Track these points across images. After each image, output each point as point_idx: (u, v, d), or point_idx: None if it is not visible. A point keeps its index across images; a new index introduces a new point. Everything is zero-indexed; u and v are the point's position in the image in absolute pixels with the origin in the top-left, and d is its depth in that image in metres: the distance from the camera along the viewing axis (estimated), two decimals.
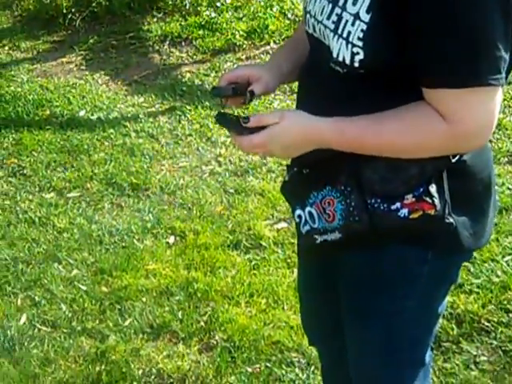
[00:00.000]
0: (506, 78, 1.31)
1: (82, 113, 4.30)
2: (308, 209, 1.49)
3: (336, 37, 1.37)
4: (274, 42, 5.04)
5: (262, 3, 5.46)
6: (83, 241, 3.24)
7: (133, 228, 3.30)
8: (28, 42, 5.34)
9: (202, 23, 5.29)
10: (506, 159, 3.64)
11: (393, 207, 1.39)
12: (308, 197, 1.48)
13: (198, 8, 5.45)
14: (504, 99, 3.91)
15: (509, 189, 3.38)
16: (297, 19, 5.21)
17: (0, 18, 5.78)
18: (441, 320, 2.17)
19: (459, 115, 1.30)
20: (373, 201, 1.40)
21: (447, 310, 2.64)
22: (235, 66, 4.75)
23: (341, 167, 1.43)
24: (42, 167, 3.78)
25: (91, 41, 5.26)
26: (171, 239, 3.23)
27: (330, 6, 1.40)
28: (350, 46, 1.34)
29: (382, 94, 1.37)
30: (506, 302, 2.75)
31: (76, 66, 4.99)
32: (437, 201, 1.38)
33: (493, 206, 1.55)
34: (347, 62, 1.35)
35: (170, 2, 5.57)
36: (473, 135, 1.34)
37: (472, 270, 2.89)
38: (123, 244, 3.22)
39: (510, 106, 4.07)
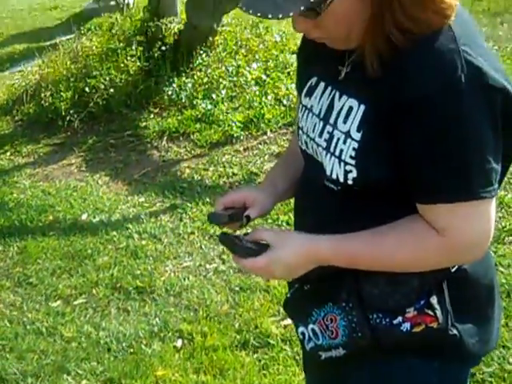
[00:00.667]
0: (499, 186, 1.32)
1: (84, 216, 4.34)
2: (311, 326, 1.49)
3: (329, 155, 1.39)
4: (271, 130, 5.11)
5: (257, 92, 5.56)
6: (91, 349, 3.23)
7: (140, 333, 3.29)
8: (29, 147, 5.44)
9: (199, 116, 5.39)
10: (511, 238, 3.62)
11: (395, 322, 1.40)
12: (310, 314, 1.49)
13: (194, 101, 5.56)
14: None
15: None
16: (292, 105, 5.29)
17: (1, 124, 5.90)
18: None
19: (454, 229, 1.31)
20: (374, 316, 1.41)
21: None
22: (233, 158, 4.82)
23: (341, 283, 1.44)
24: (47, 275, 3.79)
25: (90, 141, 5.36)
26: (179, 342, 3.22)
27: (322, 123, 1.43)
28: (342, 164, 1.36)
29: (377, 209, 1.39)
30: None
31: (76, 167, 5.07)
32: (439, 313, 1.38)
33: (497, 310, 1.54)
34: (341, 179, 1.37)
35: (166, 97, 5.69)
36: (469, 248, 1.35)
37: (483, 358, 2.85)
38: (131, 350, 3.20)
39: (510, 183, 4.08)
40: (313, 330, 1.49)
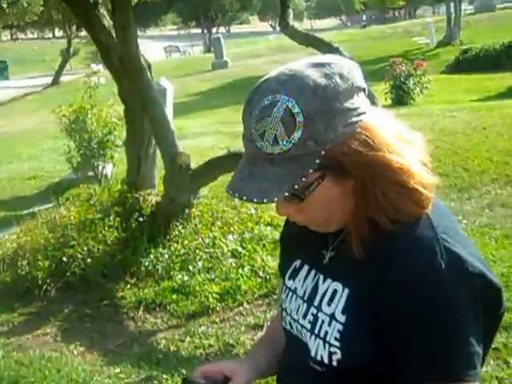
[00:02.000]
0: (481, 368, 1.34)
1: None
2: None
3: (313, 336, 1.42)
4: (247, 302, 5.16)
5: (233, 263, 5.67)
6: None
7: None
8: (4, 315, 5.40)
9: (175, 287, 5.44)
10: None
11: None
12: None
13: (171, 272, 5.63)
14: None
15: None
16: (268, 277, 5.39)
17: None
18: None
19: None
20: None
21: None
22: (209, 329, 4.83)
23: None
24: None
25: (66, 311, 5.35)
26: None
27: (306, 305, 1.47)
28: (327, 345, 1.38)
29: None
30: None
31: (51, 337, 5.03)
32: None
33: None
34: (325, 361, 1.39)
35: (143, 268, 5.75)
36: None
37: None
38: None
39: None
40: None
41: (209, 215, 6.42)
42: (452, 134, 9.64)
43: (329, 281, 1.44)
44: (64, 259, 5.76)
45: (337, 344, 1.37)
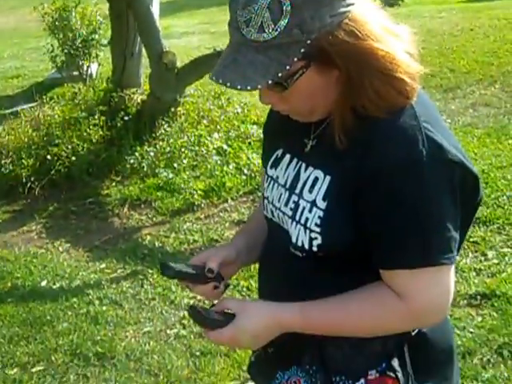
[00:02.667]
0: (457, 254, 1.38)
1: (43, 283, 4.30)
2: None
3: (294, 223, 1.43)
4: (232, 198, 5.18)
5: (218, 161, 5.65)
6: None
7: None
8: None
9: (160, 184, 5.44)
10: (465, 302, 3.71)
11: None
12: (274, 377, 1.51)
13: (156, 170, 5.62)
14: None
15: (470, 332, 3.43)
16: (253, 174, 5.38)
17: None
18: None
19: (414, 294, 1.35)
20: (337, 378, 1.44)
21: None
22: (194, 225, 4.85)
23: (305, 346, 1.47)
24: (4, 342, 3.72)
25: (51, 208, 5.34)
26: None
27: (287, 193, 1.48)
28: (308, 231, 1.40)
29: (341, 275, 1.42)
30: None
31: (36, 234, 5.04)
32: (400, 375, 1.41)
33: (456, 372, 1.58)
34: (306, 246, 1.41)
35: (128, 166, 5.74)
36: (429, 312, 1.39)
37: None
38: None
39: (465, 249, 4.19)
40: None
41: (195, 114, 6.37)
42: (439, 35, 9.62)
43: (310, 169, 1.44)
44: (48, 157, 5.72)
45: (317, 230, 1.38)
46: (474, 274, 3.97)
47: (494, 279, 3.90)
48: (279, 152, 1.56)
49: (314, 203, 1.40)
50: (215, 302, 1.52)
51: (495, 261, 4.09)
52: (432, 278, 1.35)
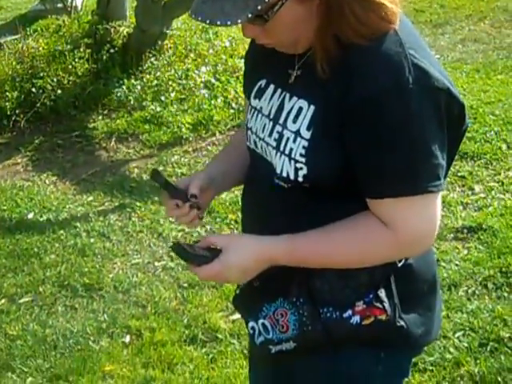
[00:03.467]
0: (444, 182, 1.38)
1: (30, 215, 4.29)
2: (261, 321, 1.51)
3: (278, 154, 1.43)
4: (220, 132, 5.16)
5: (206, 95, 5.59)
6: (37, 347, 3.19)
7: (88, 329, 3.27)
8: None
9: (148, 118, 5.38)
10: (452, 235, 3.74)
11: (345, 315, 1.44)
12: (260, 309, 1.51)
13: (143, 103, 5.55)
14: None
15: (456, 265, 3.47)
16: (241, 108, 5.32)
17: None
18: None
19: (401, 223, 1.36)
20: (325, 310, 1.44)
21: None
22: (182, 159, 4.83)
23: (291, 278, 1.47)
24: None
25: (37, 141, 5.27)
26: (127, 338, 3.21)
27: (271, 123, 1.46)
28: (293, 162, 1.39)
29: (328, 205, 1.42)
30: (459, 379, 2.80)
31: (22, 167, 4.99)
32: (387, 305, 1.43)
33: (439, 302, 1.60)
34: (291, 177, 1.40)
35: (115, 98, 5.66)
36: (416, 241, 1.40)
37: (425, 347, 2.93)
38: (78, 347, 3.18)
39: (452, 183, 4.21)
40: (263, 324, 1.51)
41: (182, 47, 6.26)
42: None
43: (294, 99, 1.42)
44: (33, 90, 5.61)
45: (302, 160, 1.38)
46: (461, 207, 4.01)
47: (480, 213, 3.93)
48: (262, 82, 1.54)
49: (298, 133, 1.39)
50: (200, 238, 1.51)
51: (482, 195, 4.13)
52: (419, 206, 1.36)
